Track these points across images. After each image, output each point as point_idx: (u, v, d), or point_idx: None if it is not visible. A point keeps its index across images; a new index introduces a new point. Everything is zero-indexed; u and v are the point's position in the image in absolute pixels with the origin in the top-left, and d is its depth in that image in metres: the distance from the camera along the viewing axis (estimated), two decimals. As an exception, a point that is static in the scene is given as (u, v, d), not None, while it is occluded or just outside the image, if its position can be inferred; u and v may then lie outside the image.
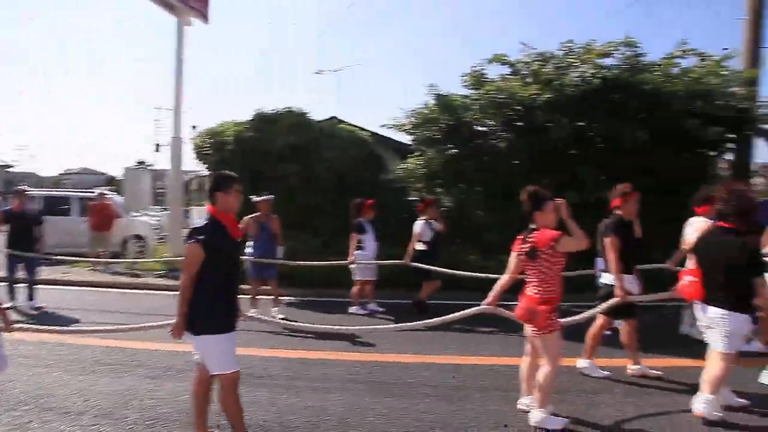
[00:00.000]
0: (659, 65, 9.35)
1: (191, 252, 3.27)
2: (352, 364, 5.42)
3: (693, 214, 6.15)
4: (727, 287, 3.93)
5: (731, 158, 10.91)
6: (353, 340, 6.19)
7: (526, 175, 9.17)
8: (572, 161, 9.23)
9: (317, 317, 7.36)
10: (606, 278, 5.12)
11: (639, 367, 5.06)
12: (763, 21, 10.36)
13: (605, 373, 5.02)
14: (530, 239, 3.91)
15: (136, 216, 14.91)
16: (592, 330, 5.12)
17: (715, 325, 4.01)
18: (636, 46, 9.19)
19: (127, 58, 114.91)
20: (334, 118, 12.89)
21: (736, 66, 10.06)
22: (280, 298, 7.48)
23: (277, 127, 9.79)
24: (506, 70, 9.87)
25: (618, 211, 5.07)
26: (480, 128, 10.00)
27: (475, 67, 9.88)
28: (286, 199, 9.03)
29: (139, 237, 13.39)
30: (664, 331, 6.11)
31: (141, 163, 42.47)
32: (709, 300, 4.04)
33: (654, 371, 5.04)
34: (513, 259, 4.15)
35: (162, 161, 44.14)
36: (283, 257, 7.76)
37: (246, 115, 10.29)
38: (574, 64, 9.08)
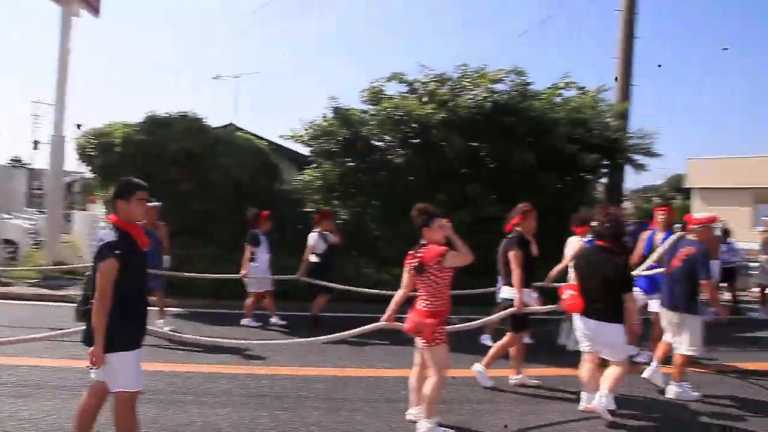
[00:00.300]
0: (544, 94, 10.07)
1: (109, 268, 3.07)
2: (242, 378, 5.29)
3: (572, 234, 6.78)
4: (603, 301, 4.41)
5: (606, 183, 11.94)
6: (243, 354, 6.06)
7: (422, 192, 9.51)
8: (465, 180, 9.67)
9: (207, 329, 7.11)
10: (505, 293, 5.37)
11: (520, 376, 5.35)
12: (632, 62, 11.51)
13: (491, 383, 5.25)
14: (419, 255, 4.08)
15: (7, 218, 13.70)
16: (502, 342, 5.32)
17: (600, 338, 4.50)
18: (524, 75, 9.83)
19: (2, 46, 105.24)
20: (231, 125, 12.62)
21: (609, 99, 11.08)
22: (165, 309, 7.17)
23: (170, 130, 9.41)
24: (404, 88, 10.17)
25: (518, 229, 5.32)
26: (378, 143, 10.22)
27: (374, 83, 10.08)
28: (181, 204, 8.73)
29: (10, 242, 12.27)
30: (543, 342, 6.59)
31: (16, 160, 39.07)
32: (587, 313, 4.49)
33: (533, 380, 5.35)
34: (406, 275, 4.30)
35: (41, 160, 40.69)
36: (177, 264, 7.50)
37: (137, 117, 9.81)
38: (468, 87, 9.53)
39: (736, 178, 25.73)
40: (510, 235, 5.35)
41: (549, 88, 10.29)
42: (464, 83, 9.70)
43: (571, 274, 4.89)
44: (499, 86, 9.76)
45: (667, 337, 5.30)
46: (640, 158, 10.99)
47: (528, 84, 9.86)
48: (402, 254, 4.46)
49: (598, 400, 4.37)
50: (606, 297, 4.42)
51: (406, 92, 10.14)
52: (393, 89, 10.29)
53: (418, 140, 9.87)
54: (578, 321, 4.63)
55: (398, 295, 4.36)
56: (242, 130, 11.90)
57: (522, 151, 9.21)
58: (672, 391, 5.12)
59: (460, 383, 5.14)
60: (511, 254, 5.16)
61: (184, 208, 8.89)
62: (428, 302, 4.04)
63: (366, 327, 4.81)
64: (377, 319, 4.60)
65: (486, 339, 6.81)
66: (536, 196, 9.30)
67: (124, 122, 9.85)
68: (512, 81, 9.84)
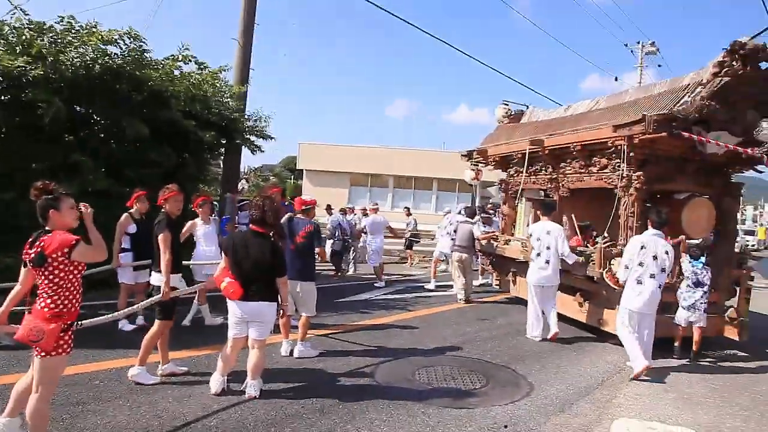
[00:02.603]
0: (162, 64, 9.58)
1: None
2: None
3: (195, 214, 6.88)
4: (260, 282, 4.59)
5: (223, 161, 12.25)
6: None
7: (14, 160, 8.04)
8: (69, 148, 8.51)
9: None
10: (156, 279, 5.10)
11: (168, 365, 5.09)
12: (252, 47, 11.99)
13: (156, 378, 4.91)
14: (39, 243, 3.28)
15: None
16: (153, 332, 4.93)
17: (256, 317, 4.63)
18: (141, 40, 9.14)
19: None
20: None
21: (229, 80, 11.31)
22: None
23: None
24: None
25: (164, 210, 5.16)
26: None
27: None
28: None
29: None
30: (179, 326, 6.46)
31: None
32: (249, 296, 4.56)
33: (181, 367, 5.17)
34: (24, 269, 3.47)
35: None
36: None
37: None
38: (74, 44, 8.34)
39: (337, 163, 29.80)
40: (158, 219, 5.11)
41: (167, 58, 9.84)
42: (70, 38, 8.44)
43: (225, 260, 4.78)
44: (112, 49, 8.85)
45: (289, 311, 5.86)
46: (255, 139, 11.63)
47: (145, 51, 9.21)
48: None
49: (253, 390, 4.60)
50: (262, 279, 4.61)
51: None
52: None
53: (6, 97, 8.21)
54: (235, 306, 4.64)
55: (14, 293, 3.50)
56: None
57: (136, 121, 8.61)
58: (298, 351, 5.88)
59: (61, 383, 4.49)
60: (161, 237, 4.92)
61: None
62: (50, 302, 3.28)
63: None
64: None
65: (125, 325, 6.59)
66: (150, 170, 8.95)
67: None
68: (128, 45, 9.04)
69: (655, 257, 5.90)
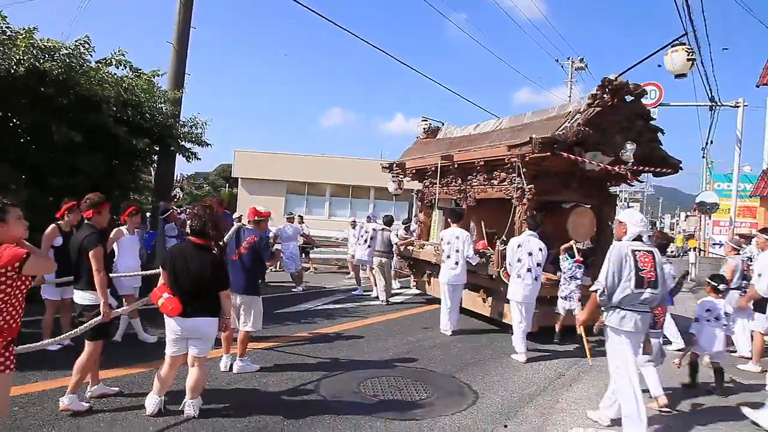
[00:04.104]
0: (94, 69, 9.09)
1: None
2: None
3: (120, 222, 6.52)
4: (200, 299, 4.35)
5: (156, 168, 11.79)
6: None
7: None
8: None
9: None
10: (81, 297, 4.69)
11: (98, 386, 4.79)
12: (187, 51, 11.65)
13: (88, 404, 4.55)
14: None
15: None
16: (87, 354, 4.55)
17: (196, 334, 4.40)
18: (89, 48, 8.62)
19: None
20: None
21: (163, 85, 10.92)
22: None
23: None
24: None
25: (90, 222, 4.76)
26: None
27: None
28: None
29: None
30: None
31: None
32: (189, 312, 4.32)
33: (113, 388, 4.90)
34: None
35: None
36: None
37: None
38: (6, 44, 7.75)
39: (274, 171, 29.34)
40: (86, 232, 4.68)
41: (98, 62, 9.35)
42: (1, 38, 7.83)
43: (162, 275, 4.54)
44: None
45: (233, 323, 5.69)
46: (191, 146, 11.27)
47: (83, 55, 8.65)
48: None
49: (191, 410, 4.39)
50: (202, 294, 4.37)
51: None
52: None
53: None
54: (173, 323, 4.39)
55: None
56: None
57: (64, 127, 8.11)
58: (237, 366, 5.72)
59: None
60: (92, 253, 4.53)
61: None
62: None
63: None
64: None
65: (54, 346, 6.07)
66: (76, 178, 8.46)
67: None
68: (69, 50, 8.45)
69: (530, 254, 7.05)
